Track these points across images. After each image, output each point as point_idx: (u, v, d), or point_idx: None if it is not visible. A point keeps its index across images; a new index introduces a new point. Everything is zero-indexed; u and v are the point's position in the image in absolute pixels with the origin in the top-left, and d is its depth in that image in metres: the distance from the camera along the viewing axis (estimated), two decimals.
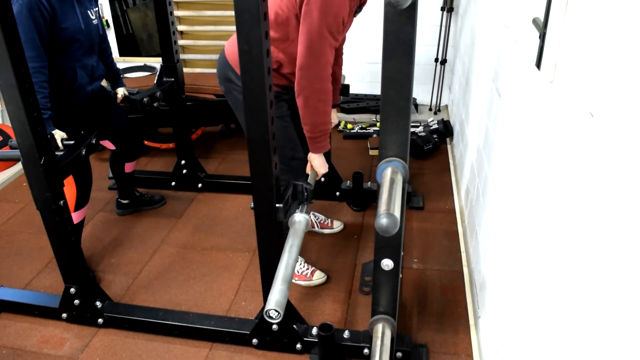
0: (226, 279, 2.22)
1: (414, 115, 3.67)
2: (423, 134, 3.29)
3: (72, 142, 1.90)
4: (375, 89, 3.87)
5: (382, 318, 1.54)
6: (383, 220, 1.05)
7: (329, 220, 2.52)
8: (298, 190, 1.57)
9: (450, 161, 3.15)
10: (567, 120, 1.02)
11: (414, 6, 1.06)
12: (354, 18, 1.87)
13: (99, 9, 2.20)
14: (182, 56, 3.98)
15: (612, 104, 0.82)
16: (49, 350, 1.88)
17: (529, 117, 1.36)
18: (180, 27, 3.90)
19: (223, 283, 2.19)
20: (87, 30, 2.05)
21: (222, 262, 2.32)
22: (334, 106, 2.27)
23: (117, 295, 2.14)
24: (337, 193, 2.73)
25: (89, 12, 2.07)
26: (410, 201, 2.70)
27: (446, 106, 3.88)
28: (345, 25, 1.79)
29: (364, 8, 1.89)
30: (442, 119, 3.43)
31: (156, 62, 3.88)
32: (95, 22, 2.11)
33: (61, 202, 1.74)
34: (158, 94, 2.49)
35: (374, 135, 3.50)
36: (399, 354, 1.72)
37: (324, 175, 2.66)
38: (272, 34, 1.77)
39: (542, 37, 1.28)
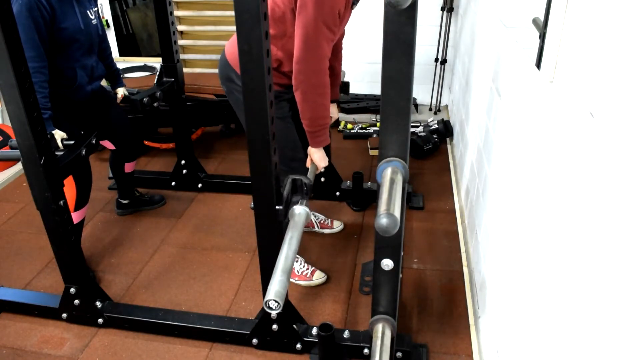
0: (226, 279, 2.22)
1: (414, 115, 3.67)
2: (423, 134, 3.29)
3: (72, 142, 1.90)
4: (375, 89, 3.86)
5: (382, 318, 1.54)
6: (383, 220, 1.05)
7: (329, 220, 2.52)
8: (297, 185, 1.57)
9: (450, 161, 3.15)
10: (567, 120, 1.02)
11: (414, 6, 1.06)
12: (352, 11, 1.86)
13: (98, 9, 2.20)
14: (182, 56, 3.98)
15: (612, 104, 0.82)
16: (49, 350, 1.88)
17: (529, 117, 1.36)
18: (180, 27, 3.90)
19: (223, 283, 2.19)
20: (87, 30, 2.05)
21: (222, 262, 2.32)
22: (334, 101, 2.27)
23: (117, 295, 2.14)
24: (337, 193, 2.73)
25: (88, 12, 2.08)
26: (410, 201, 2.70)
27: (446, 106, 3.88)
28: (343, 18, 1.79)
29: (364, 5, 1.88)
30: (442, 119, 3.43)
31: (156, 62, 3.88)
32: (94, 22, 2.12)
33: (61, 202, 1.74)
34: (158, 94, 2.49)
35: (374, 135, 3.50)
36: (399, 354, 1.72)
37: (324, 175, 2.69)
38: (269, 31, 1.77)
39: (542, 37, 1.28)
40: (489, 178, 1.92)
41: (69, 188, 2.08)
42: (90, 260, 2.35)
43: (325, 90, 1.78)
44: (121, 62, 3.83)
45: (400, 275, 1.53)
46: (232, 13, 1.29)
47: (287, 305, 1.81)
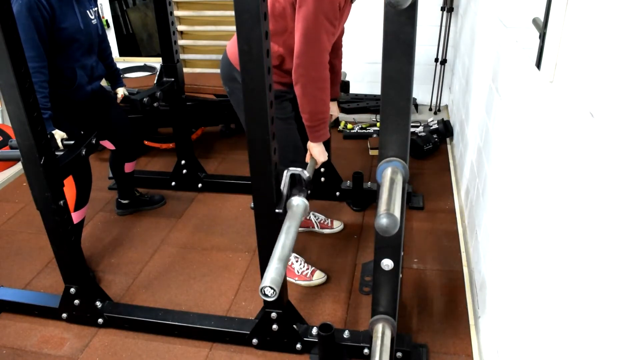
0: (226, 279, 2.22)
1: (414, 115, 3.67)
2: (423, 134, 3.29)
3: (72, 142, 1.90)
4: (375, 89, 3.87)
5: (382, 318, 1.54)
6: (383, 220, 1.05)
7: (329, 220, 2.52)
8: (296, 179, 1.57)
9: (450, 161, 3.15)
10: (567, 120, 1.02)
11: (414, 6, 1.06)
12: (352, 5, 1.86)
13: (98, 9, 2.20)
14: (182, 56, 3.98)
15: (612, 104, 0.82)
16: (49, 350, 1.88)
17: (529, 117, 1.36)
18: (180, 27, 3.90)
19: (223, 283, 2.19)
20: (87, 30, 2.06)
21: (222, 262, 2.32)
22: (334, 100, 2.26)
23: (117, 295, 2.14)
24: (337, 193, 2.73)
25: (88, 12, 2.08)
26: (410, 201, 2.70)
27: (446, 106, 3.88)
28: (343, 11, 1.79)
29: (364, 5, 1.88)
30: (442, 119, 3.43)
31: (156, 62, 3.88)
32: (94, 22, 2.12)
33: (61, 202, 1.74)
34: (158, 94, 2.49)
35: (374, 135, 3.50)
36: (399, 354, 1.72)
37: (324, 175, 2.69)
38: (270, 27, 1.77)
39: (542, 37, 1.28)
40: (489, 178, 1.92)
41: (69, 188, 2.08)
42: (90, 260, 2.35)
43: (325, 85, 1.78)
44: (121, 62, 3.83)
45: (400, 275, 1.53)
46: (232, 13, 1.29)
47: (287, 305, 1.81)
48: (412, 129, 3.08)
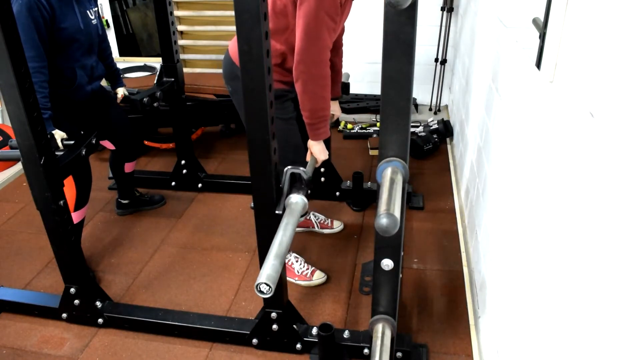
0: (226, 279, 2.22)
1: (414, 115, 3.67)
2: (423, 134, 3.29)
3: (72, 142, 1.90)
4: (375, 89, 3.86)
5: (382, 318, 1.54)
6: (383, 220, 1.05)
7: (329, 220, 2.52)
8: (296, 178, 1.57)
9: (450, 161, 3.15)
10: (567, 120, 1.02)
11: (414, 6, 1.06)
12: (352, 2, 1.86)
13: (98, 9, 2.20)
14: (182, 56, 3.98)
15: (612, 104, 0.82)
16: (49, 350, 1.88)
17: (529, 117, 1.36)
18: (180, 27, 3.90)
19: (223, 283, 2.19)
20: (87, 30, 2.05)
21: (222, 262, 2.32)
22: (335, 99, 2.26)
23: (117, 295, 2.14)
24: (337, 193, 2.73)
25: (88, 12, 2.08)
26: (410, 201, 2.70)
27: (446, 106, 3.88)
28: (344, 8, 1.79)
29: (364, 5, 1.88)
30: (442, 119, 3.43)
31: (156, 62, 3.88)
32: (94, 22, 2.12)
33: (61, 202, 1.74)
34: (158, 94, 2.49)
35: (374, 135, 3.50)
36: (399, 354, 1.72)
37: (324, 175, 2.69)
38: (271, 25, 1.76)
39: (542, 37, 1.28)
40: (489, 178, 1.92)
41: (69, 188, 2.08)
42: (90, 260, 2.35)
43: (326, 82, 1.78)
44: (121, 62, 3.83)
45: (400, 275, 1.53)
46: (232, 13, 1.29)
47: (287, 305, 1.81)
48: (412, 129, 3.07)
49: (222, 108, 3.16)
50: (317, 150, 1.91)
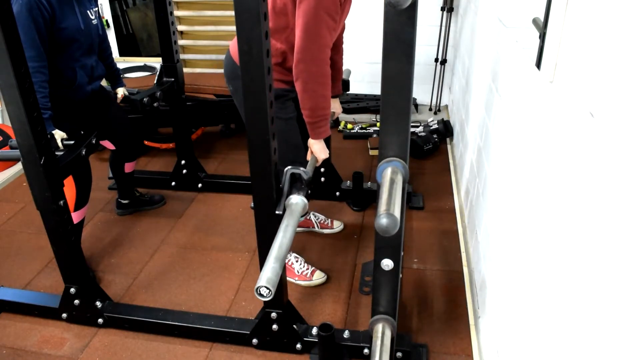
0: (226, 279, 2.22)
1: (414, 115, 3.67)
2: (423, 134, 3.29)
3: (72, 142, 1.90)
4: (375, 89, 3.86)
5: (382, 318, 1.54)
6: (383, 220, 1.05)
7: (329, 220, 2.52)
8: (296, 178, 1.56)
9: (450, 161, 3.15)
10: (567, 120, 1.02)
11: (414, 6, 1.06)
12: (352, 1, 1.86)
13: (98, 9, 2.20)
14: (182, 56, 3.98)
15: (612, 104, 0.82)
16: (49, 350, 1.88)
17: (529, 117, 1.36)
18: (180, 27, 3.90)
19: (223, 283, 2.19)
20: (87, 30, 2.05)
21: (222, 262, 2.32)
22: (336, 97, 2.26)
23: (117, 295, 2.14)
24: (337, 193, 2.73)
25: (88, 12, 2.08)
26: (410, 201, 2.70)
27: (446, 106, 3.88)
28: (344, 6, 1.78)
29: (364, 5, 1.88)
30: (442, 119, 3.43)
31: (156, 62, 3.88)
32: (94, 22, 2.12)
33: (61, 202, 1.74)
34: (158, 94, 2.49)
35: (374, 135, 3.50)
36: (399, 354, 1.72)
37: (324, 175, 2.69)
38: (271, 24, 1.76)
39: (542, 37, 1.28)
40: (488, 178, 1.92)
41: (69, 188, 2.08)
42: (90, 260, 2.35)
43: (326, 80, 1.77)
44: (121, 62, 3.83)
45: (400, 275, 1.53)
46: (232, 13, 1.29)
47: (287, 305, 1.81)
48: (412, 129, 3.08)
49: (222, 108, 3.16)
50: (318, 149, 1.91)
